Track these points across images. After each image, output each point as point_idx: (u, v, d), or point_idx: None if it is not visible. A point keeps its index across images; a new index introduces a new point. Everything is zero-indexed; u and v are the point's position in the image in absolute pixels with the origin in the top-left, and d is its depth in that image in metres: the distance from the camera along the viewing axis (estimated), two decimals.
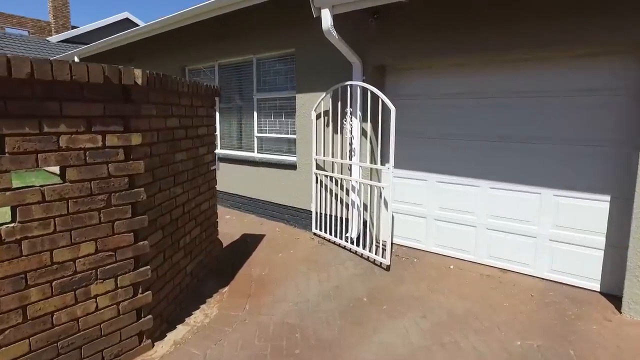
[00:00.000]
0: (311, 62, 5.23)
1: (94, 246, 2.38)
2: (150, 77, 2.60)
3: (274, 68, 6.01)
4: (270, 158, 6.20)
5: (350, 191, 4.82)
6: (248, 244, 5.07)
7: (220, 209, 6.77)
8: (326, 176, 5.11)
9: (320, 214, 5.32)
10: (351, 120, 4.66)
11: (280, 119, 6.05)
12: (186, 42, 7.18)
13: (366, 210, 4.80)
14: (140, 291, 2.67)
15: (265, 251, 4.82)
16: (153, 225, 2.81)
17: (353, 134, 4.71)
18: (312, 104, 5.25)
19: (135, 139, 2.51)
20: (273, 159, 6.11)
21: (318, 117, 5.21)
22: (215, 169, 4.04)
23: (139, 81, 2.48)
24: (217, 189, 7.22)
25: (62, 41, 14.76)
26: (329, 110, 5.01)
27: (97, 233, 2.39)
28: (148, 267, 2.69)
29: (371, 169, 4.71)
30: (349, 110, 4.63)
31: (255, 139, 6.44)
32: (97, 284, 2.41)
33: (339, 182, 5.02)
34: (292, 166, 5.70)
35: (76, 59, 9.43)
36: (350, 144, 4.82)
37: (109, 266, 2.46)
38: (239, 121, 6.75)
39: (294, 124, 5.73)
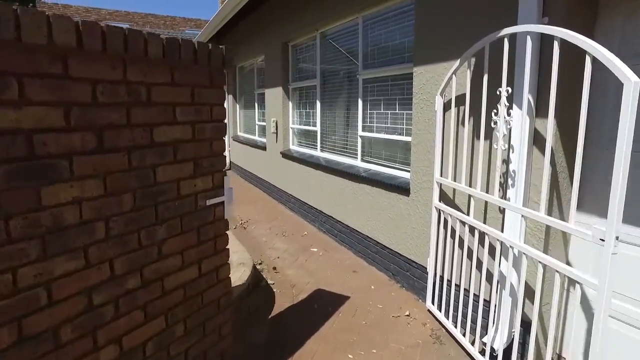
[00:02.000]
0: (439, 10, 2.88)
1: None
2: None
3: (385, 30, 3.82)
4: (376, 171, 4.07)
5: (500, 256, 2.36)
6: (312, 315, 3.11)
7: (312, 234, 4.98)
8: (455, 218, 2.73)
9: (442, 278, 3.00)
10: (508, 114, 2.20)
11: (391, 109, 3.85)
12: (286, 13, 5.58)
13: (531, 301, 2.29)
14: None
15: (332, 341, 2.78)
16: None
17: (512, 141, 2.25)
18: (437, 84, 2.93)
19: None
20: (380, 174, 3.96)
21: (446, 106, 2.86)
22: (221, 204, 2.20)
23: None
24: (313, 205, 5.44)
25: None
26: (465, 95, 2.61)
27: None
28: None
29: (548, 227, 2.11)
30: (503, 91, 2.17)
31: (359, 139, 4.39)
32: None
33: (478, 232, 2.57)
34: (402, 189, 3.47)
35: None
36: (505, 163, 2.36)
37: None
38: (345, 113, 4.78)
39: (411, 119, 3.47)
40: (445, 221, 2.89)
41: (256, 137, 8.13)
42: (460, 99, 2.73)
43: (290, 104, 6.17)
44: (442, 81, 2.83)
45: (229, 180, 2.26)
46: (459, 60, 2.56)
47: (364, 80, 4.18)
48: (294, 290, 3.51)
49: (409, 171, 3.47)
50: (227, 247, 2.30)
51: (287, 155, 6.00)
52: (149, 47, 1.66)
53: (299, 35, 5.49)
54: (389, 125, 3.89)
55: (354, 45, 4.34)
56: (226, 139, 9.92)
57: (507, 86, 2.16)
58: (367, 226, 4.06)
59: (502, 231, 2.34)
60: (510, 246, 2.15)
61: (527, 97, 2.08)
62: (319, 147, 5.38)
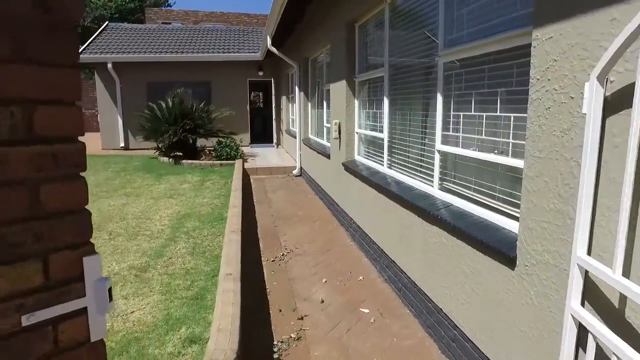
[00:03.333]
0: None
1: None
2: None
3: None
4: (460, 210, 2.57)
5: None
6: None
7: (369, 282, 3.30)
8: None
9: None
10: None
11: (489, 110, 2.33)
12: None
13: None
14: None
15: None
16: None
17: None
18: (588, 58, 1.39)
19: None
20: (466, 217, 2.47)
21: (612, 104, 1.31)
22: (80, 314, 1.03)
23: None
24: (374, 239, 3.80)
25: None
26: None
27: None
28: None
29: None
30: None
31: (437, 155, 2.91)
32: None
33: None
34: (502, 254, 1.95)
35: (268, 38, 8.12)
36: None
37: None
38: (419, 116, 3.32)
39: (524, 127, 1.92)
40: (598, 348, 1.36)
41: (323, 142, 6.96)
42: None
43: (356, 103, 4.85)
44: (600, 52, 1.30)
45: (99, 261, 1.06)
46: None
47: (446, 66, 2.70)
48: None
49: (517, 218, 1.95)
50: None
51: (349, 168, 4.70)
52: None
53: (365, 10, 4.15)
54: (483, 136, 2.38)
55: (432, 14, 2.88)
56: (297, 142, 8.93)
57: None
58: (442, 294, 2.59)
59: None
60: None
61: None
62: (385, 161, 3.97)
